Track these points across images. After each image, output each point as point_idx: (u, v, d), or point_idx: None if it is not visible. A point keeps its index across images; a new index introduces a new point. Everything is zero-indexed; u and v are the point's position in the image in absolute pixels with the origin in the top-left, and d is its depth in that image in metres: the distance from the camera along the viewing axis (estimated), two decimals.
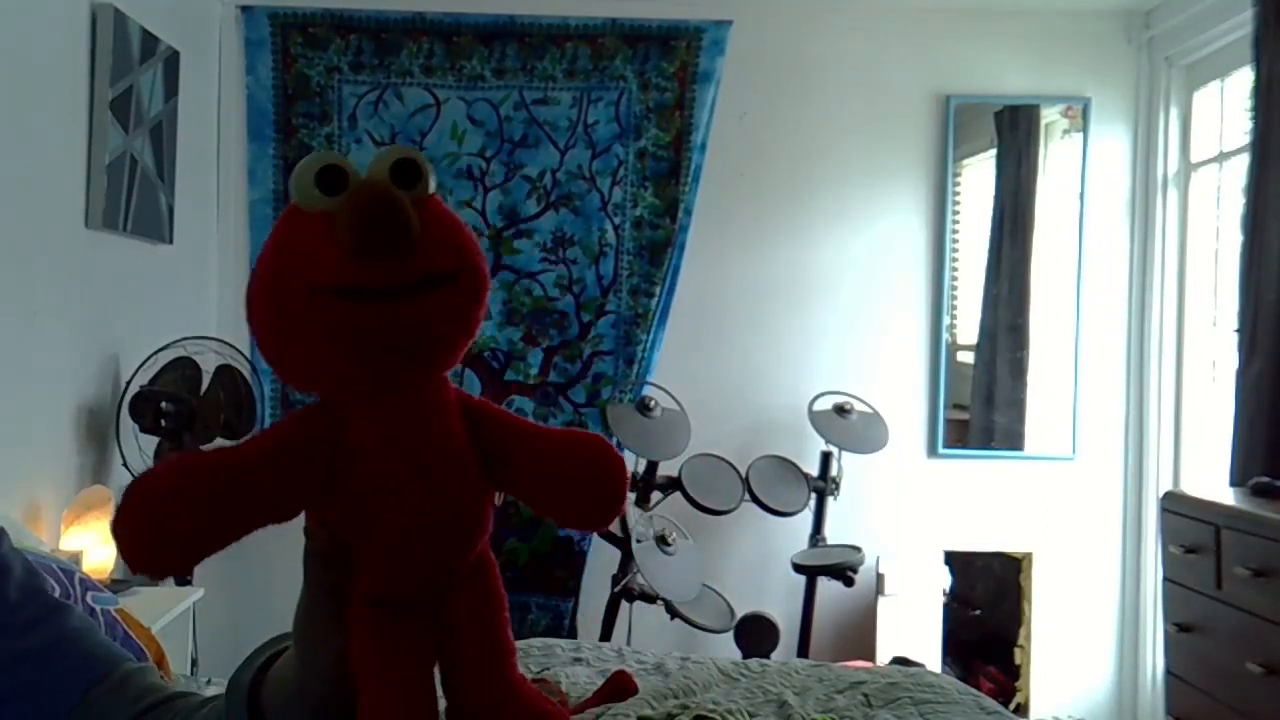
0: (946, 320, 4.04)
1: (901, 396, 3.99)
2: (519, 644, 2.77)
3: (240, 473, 0.55)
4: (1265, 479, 2.77)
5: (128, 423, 2.86)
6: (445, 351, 0.57)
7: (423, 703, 0.58)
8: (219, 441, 3.03)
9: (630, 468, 3.69)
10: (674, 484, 3.60)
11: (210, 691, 2.05)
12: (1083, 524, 4.03)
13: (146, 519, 0.53)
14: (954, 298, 4.06)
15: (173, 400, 2.84)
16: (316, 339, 0.52)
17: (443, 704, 0.62)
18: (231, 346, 3.20)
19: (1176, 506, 2.83)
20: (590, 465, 0.61)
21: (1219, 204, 3.74)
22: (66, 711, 0.75)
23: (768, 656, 3.20)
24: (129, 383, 2.94)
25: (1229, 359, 3.35)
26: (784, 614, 3.67)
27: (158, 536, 0.53)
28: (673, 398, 3.78)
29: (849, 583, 3.56)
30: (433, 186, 0.57)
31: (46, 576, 0.87)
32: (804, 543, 3.75)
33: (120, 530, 0.53)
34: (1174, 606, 2.83)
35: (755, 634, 3.55)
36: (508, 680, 0.61)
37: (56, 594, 0.84)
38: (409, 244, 0.53)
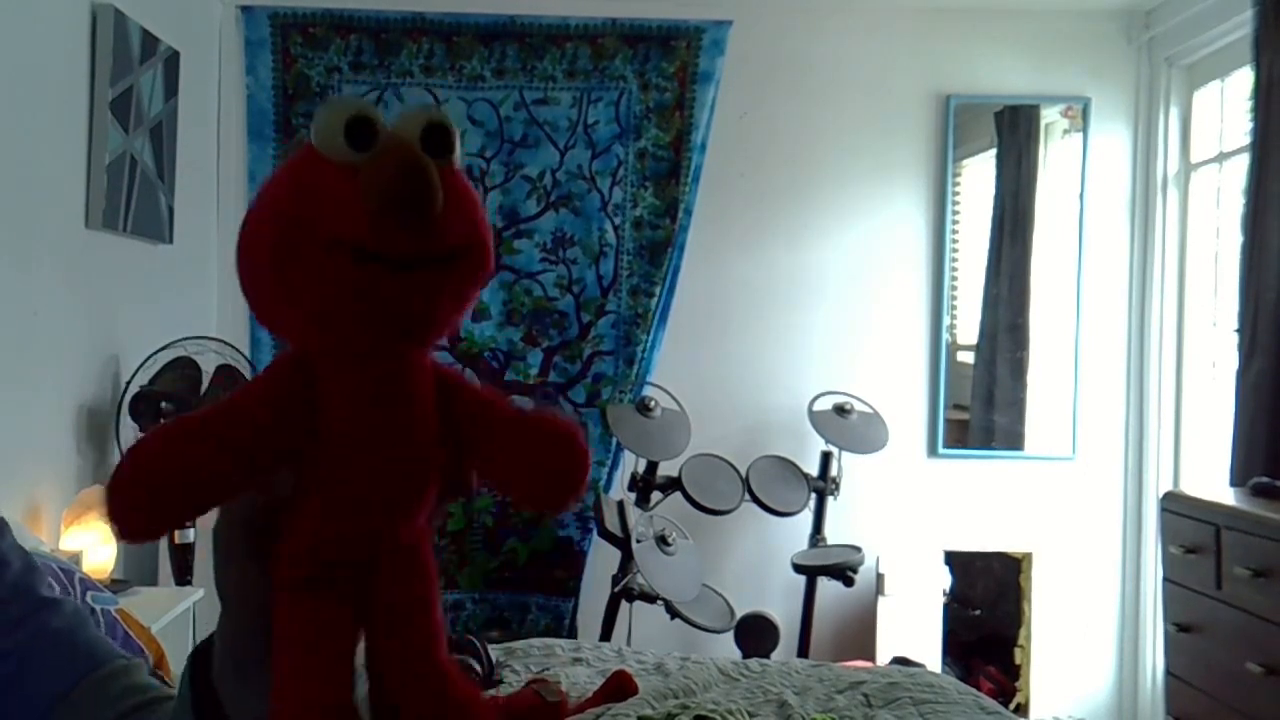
0: (946, 320, 4.03)
1: (901, 396, 3.99)
2: (518, 644, 2.78)
3: (226, 436, 0.54)
4: (1265, 479, 2.77)
5: (128, 423, 2.86)
6: (443, 326, 0.57)
7: (338, 682, 0.57)
8: None
9: (630, 468, 3.71)
10: (674, 484, 3.60)
11: None
12: (1083, 524, 4.03)
13: (138, 489, 0.52)
14: (954, 298, 4.06)
15: (173, 400, 2.84)
16: (324, 295, 0.51)
17: (365, 688, 0.61)
18: (231, 346, 3.20)
19: (1176, 506, 2.83)
20: (554, 446, 0.58)
21: (1219, 204, 3.74)
22: (46, 710, 0.75)
23: (768, 656, 3.20)
24: (129, 383, 2.94)
25: (1229, 359, 3.35)
26: (784, 614, 3.67)
27: (149, 504, 0.53)
28: (673, 398, 3.78)
29: (849, 583, 3.56)
30: (459, 157, 0.56)
31: (45, 574, 0.86)
32: (804, 543, 3.75)
33: (112, 500, 0.53)
34: (1174, 606, 2.83)
35: (755, 634, 3.55)
36: (434, 661, 0.60)
37: (56, 592, 0.84)
38: (433, 218, 0.52)
